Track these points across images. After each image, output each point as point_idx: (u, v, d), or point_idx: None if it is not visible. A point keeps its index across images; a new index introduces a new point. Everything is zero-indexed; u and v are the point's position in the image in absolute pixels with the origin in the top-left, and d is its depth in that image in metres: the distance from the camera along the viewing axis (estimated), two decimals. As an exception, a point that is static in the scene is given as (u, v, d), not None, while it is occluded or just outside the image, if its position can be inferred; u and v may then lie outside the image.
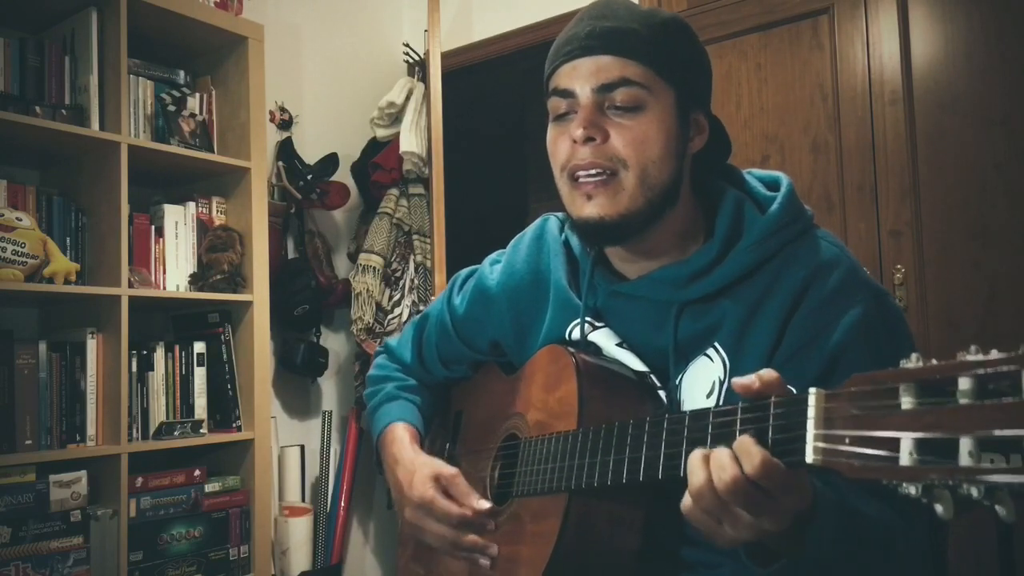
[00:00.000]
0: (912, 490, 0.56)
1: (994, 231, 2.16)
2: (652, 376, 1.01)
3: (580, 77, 0.95)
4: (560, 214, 1.16)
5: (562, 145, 0.98)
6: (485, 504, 1.05)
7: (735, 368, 0.94)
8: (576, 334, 1.07)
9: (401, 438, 1.21)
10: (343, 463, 2.95)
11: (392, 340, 1.38)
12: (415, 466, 1.14)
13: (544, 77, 1.02)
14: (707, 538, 0.76)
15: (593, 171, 0.95)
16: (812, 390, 0.67)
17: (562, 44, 0.99)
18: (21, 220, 2.02)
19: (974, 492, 0.53)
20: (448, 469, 1.10)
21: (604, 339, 1.04)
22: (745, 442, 0.70)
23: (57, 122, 2.07)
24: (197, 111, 2.44)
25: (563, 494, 0.94)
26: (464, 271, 1.30)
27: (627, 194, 0.95)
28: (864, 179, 2.36)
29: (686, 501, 0.74)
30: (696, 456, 0.73)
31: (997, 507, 0.53)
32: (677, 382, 0.98)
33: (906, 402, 0.59)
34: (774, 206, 0.97)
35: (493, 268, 1.22)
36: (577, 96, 0.96)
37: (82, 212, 2.22)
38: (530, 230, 1.20)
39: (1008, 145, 2.15)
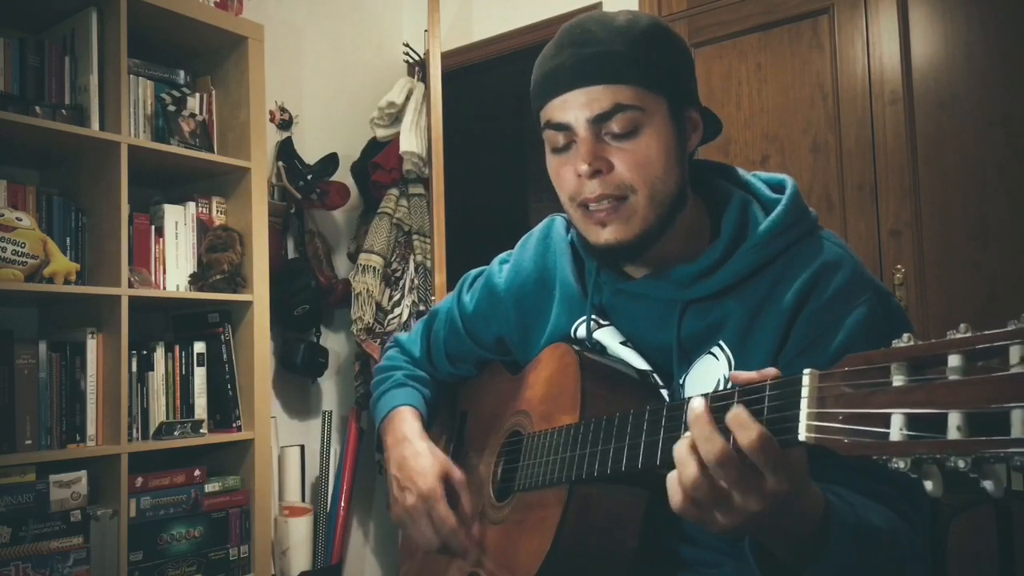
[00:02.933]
0: (901, 464, 0.58)
1: (994, 231, 2.17)
2: (655, 375, 1.02)
3: (573, 109, 0.95)
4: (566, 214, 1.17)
5: (567, 176, 0.98)
6: (476, 528, 1.09)
7: (740, 367, 0.94)
8: (581, 332, 1.08)
9: (412, 422, 1.23)
10: (343, 463, 2.95)
11: (403, 335, 1.41)
12: (428, 455, 1.15)
13: (533, 107, 1.01)
14: (700, 524, 0.74)
15: (604, 202, 0.96)
16: (807, 371, 0.68)
17: (548, 75, 0.97)
18: (21, 220, 2.02)
19: (961, 464, 0.54)
20: (458, 472, 1.13)
21: (609, 337, 1.05)
22: (740, 414, 0.69)
23: (57, 122, 2.07)
24: (197, 111, 2.44)
25: (564, 486, 0.95)
26: (474, 271, 1.32)
27: (640, 216, 0.96)
28: (864, 179, 2.36)
29: (675, 494, 0.72)
30: (682, 446, 0.72)
31: (984, 481, 0.54)
32: (681, 381, 0.99)
33: (898, 380, 0.60)
34: (779, 208, 0.98)
35: (502, 267, 1.24)
36: (574, 129, 0.96)
37: (82, 212, 2.22)
38: (537, 230, 1.21)
39: (1008, 145, 2.16)
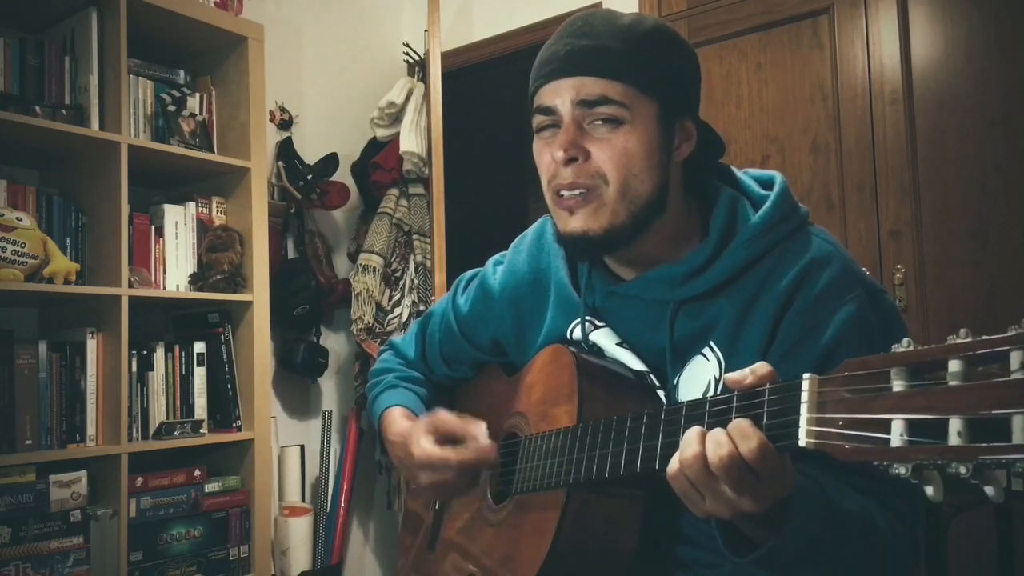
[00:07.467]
0: (902, 470, 0.58)
1: (994, 231, 2.17)
2: (651, 376, 1.01)
3: (560, 95, 0.96)
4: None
5: (546, 159, 0.99)
6: (483, 435, 1.05)
7: (730, 367, 0.94)
8: (577, 333, 1.08)
9: (397, 418, 1.22)
10: (343, 463, 2.95)
11: (397, 338, 1.40)
12: (410, 434, 1.14)
13: (528, 94, 1.02)
14: (685, 502, 0.77)
15: (575, 190, 0.96)
16: (806, 376, 0.68)
17: (543, 63, 0.99)
18: (21, 220, 2.02)
19: (962, 471, 0.54)
20: (440, 417, 1.11)
21: (605, 339, 1.05)
22: (742, 424, 0.71)
23: (57, 122, 2.07)
24: (197, 111, 2.44)
25: (562, 489, 0.94)
26: (469, 272, 1.32)
27: (608, 209, 0.96)
28: (864, 179, 2.36)
29: (673, 466, 0.75)
30: (693, 430, 0.75)
31: (985, 487, 0.54)
32: (675, 382, 0.99)
33: (897, 385, 0.60)
34: (767, 204, 0.98)
35: (496, 269, 1.23)
36: (558, 112, 0.96)
37: (82, 212, 2.22)
38: (531, 231, 1.21)
39: (1008, 145, 2.16)
